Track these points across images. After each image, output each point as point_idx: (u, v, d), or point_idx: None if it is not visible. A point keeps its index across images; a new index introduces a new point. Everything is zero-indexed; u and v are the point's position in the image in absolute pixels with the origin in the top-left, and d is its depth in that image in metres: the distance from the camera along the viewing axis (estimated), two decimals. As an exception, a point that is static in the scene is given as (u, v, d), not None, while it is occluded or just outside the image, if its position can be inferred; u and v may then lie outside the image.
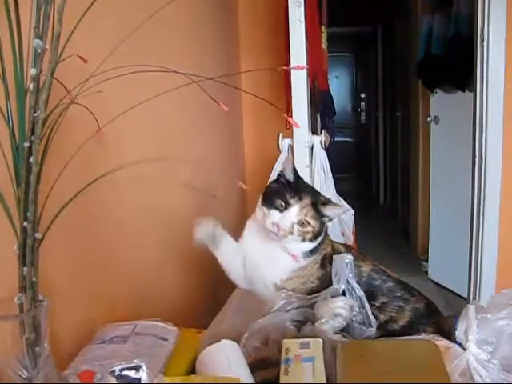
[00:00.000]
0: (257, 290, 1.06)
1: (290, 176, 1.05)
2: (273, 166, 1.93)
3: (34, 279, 0.64)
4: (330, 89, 5.25)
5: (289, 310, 0.92)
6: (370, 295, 0.99)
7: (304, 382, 0.64)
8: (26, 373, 0.63)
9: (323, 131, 2.04)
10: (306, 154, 1.93)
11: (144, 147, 1.11)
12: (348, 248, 1.13)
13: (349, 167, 6.81)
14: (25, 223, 0.62)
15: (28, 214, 0.62)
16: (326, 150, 2.05)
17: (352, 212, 1.97)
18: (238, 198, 2.28)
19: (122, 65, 0.70)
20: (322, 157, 2.00)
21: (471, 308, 0.76)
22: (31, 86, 0.61)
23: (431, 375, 0.63)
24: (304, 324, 0.88)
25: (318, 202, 1.03)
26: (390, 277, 1.05)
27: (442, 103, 3.45)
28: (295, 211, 1.00)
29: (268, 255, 1.05)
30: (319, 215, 1.02)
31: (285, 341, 0.74)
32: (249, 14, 2.37)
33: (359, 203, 4.37)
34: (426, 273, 3.62)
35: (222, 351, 0.72)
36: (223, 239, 1.08)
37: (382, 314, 0.98)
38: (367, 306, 0.91)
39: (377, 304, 0.99)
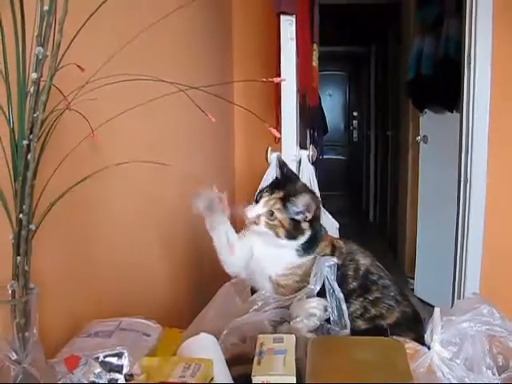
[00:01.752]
0: (252, 279, 1.12)
1: (277, 173, 1.14)
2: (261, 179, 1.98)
3: (26, 268, 0.68)
4: (323, 107, 5.37)
5: (266, 311, 0.97)
6: (365, 288, 1.05)
7: (274, 372, 0.68)
8: (15, 355, 0.67)
9: (311, 146, 2.10)
10: (294, 167, 1.99)
11: (135, 152, 1.16)
12: (349, 244, 1.15)
13: (340, 184, 6.90)
14: (20, 215, 0.67)
15: (24, 206, 0.67)
16: (314, 164, 2.11)
17: (337, 225, 2.02)
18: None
19: (116, 74, 0.76)
20: (309, 170, 2.05)
21: (437, 310, 0.81)
22: (32, 89, 0.67)
23: (393, 370, 0.68)
24: (281, 324, 0.93)
25: (289, 195, 1.08)
26: (387, 275, 1.10)
27: (430, 123, 3.53)
28: (262, 203, 1.08)
29: (265, 251, 1.11)
30: (289, 210, 1.06)
31: (260, 336, 0.79)
32: (243, 29, 2.44)
33: (349, 220, 4.44)
34: (413, 290, 3.67)
35: (200, 343, 0.76)
36: (223, 222, 1.11)
37: (374, 308, 1.03)
38: (345, 308, 0.96)
39: (370, 298, 1.04)
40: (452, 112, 3.12)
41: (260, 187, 1.89)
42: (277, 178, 1.14)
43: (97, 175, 0.86)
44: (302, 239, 1.08)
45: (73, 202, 0.85)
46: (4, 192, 0.68)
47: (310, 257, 1.08)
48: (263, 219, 1.07)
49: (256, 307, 0.98)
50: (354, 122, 6.93)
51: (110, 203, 1.09)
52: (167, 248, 1.37)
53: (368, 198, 6.31)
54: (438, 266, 3.31)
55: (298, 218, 1.07)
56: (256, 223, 1.07)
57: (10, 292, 0.68)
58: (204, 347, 0.75)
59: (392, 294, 1.06)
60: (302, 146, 2.16)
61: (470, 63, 2.54)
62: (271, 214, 1.06)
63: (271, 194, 1.08)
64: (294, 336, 0.78)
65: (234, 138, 2.54)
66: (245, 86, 2.16)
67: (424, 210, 3.69)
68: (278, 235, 1.07)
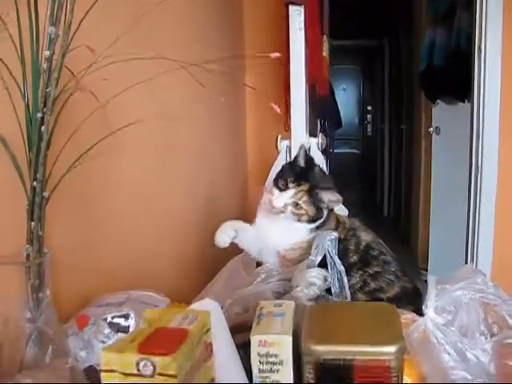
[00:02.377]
0: (264, 260, 1.16)
1: (300, 162, 1.16)
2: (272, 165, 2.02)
3: (40, 233, 0.73)
4: (337, 101, 5.38)
5: (270, 282, 1.01)
6: (365, 262, 1.09)
7: (271, 331, 0.72)
8: (30, 314, 0.72)
9: (320, 134, 2.13)
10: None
11: (146, 136, 1.20)
12: (353, 220, 1.20)
13: (354, 179, 6.89)
14: (34, 183, 0.72)
15: (37, 174, 0.72)
16: (325, 156, 2.15)
17: (346, 212, 2.05)
18: (240, 195, 2.37)
19: (124, 53, 0.80)
20: (318, 158, 2.08)
21: (431, 279, 0.84)
22: (45, 66, 0.71)
23: (385, 331, 0.71)
24: (283, 295, 0.96)
25: (316, 188, 1.12)
26: (388, 252, 1.13)
27: (443, 114, 3.53)
28: (290, 194, 1.11)
29: (275, 228, 1.15)
30: (315, 201, 1.11)
31: (261, 302, 0.83)
32: (254, 19, 2.47)
33: (363, 214, 4.44)
34: (426, 281, 3.68)
35: (204, 308, 0.80)
36: (241, 230, 1.18)
37: (373, 282, 1.06)
38: (345, 280, 0.99)
39: (370, 271, 1.07)
40: (464, 102, 3.13)
41: (271, 173, 1.94)
42: (298, 165, 1.16)
43: (109, 150, 0.91)
44: (320, 221, 1.13)
45: (85, 174, 0.90)
46: (19, 162, 0.72)
47: (316, 233, 1.12)
48: (289, 208, 1.11)
49: (259, 279, 1.02)
50: (368, 116, 6.93)
51: (121, 181, 1.13)
52: (178, 227, 1.42)
53: (382, 192, 6.31)
54: (450, 257, 3.32)
55: (322, 206, 1.12)
56: (282, 211, 1.11)
57: (25, 255, 0.73)
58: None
59: (392, 269, 1.09)
60: (313, 135, 2.19)
61: (480, 54, 2.55)
62: (297, 204, 1.11)
63: (298, 186, 1.11)
64: (293, 302, 0.82)
65: (246, 127, 2.58)
66: (256, 75, 2.19)
67: (437, 202, 3.70)
68: (300, 220, 1.12)
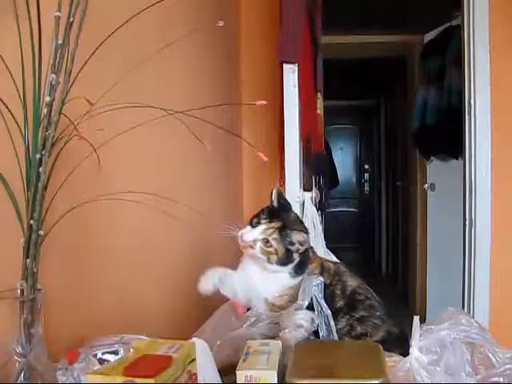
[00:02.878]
0: (248, 301, 1.17)
1: (274, 202, 1.19)
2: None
3: (34, 270, 0.76)
4: (335, 160, 5.46)
5: (259, 326, 1.02)
6: (352, 307, 1.09)
7: (257, 367, 0.73)
8: (21, 349, 0.74)
9: (314, 188, 2.18)
10: (297, 208, 2.06)
11: (142, 184, 1.24)
12: (338, 265, 1.21)
13: (352, 237, 6.92)
14: (31, 221, 0.75)
15: (34, 213, 0.75)
16: (316, 206, 2.19)
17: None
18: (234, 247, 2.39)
19: (123, 100, 0.85)
20: (312, 212, 2.12)
21: (415, 318, 0.86)
22: (45, 111, 0.76)
23: (368, 367, 0.72)
24: (272, 338, 0.97)
25: (286, 228, 1.13)
26: (373, 297, 1.14)
27: (437, 171, 3.61)
28: (261, 229, 1.13)
29: (261, 276, 1.16)
30: (285, 241, 1.12)
31: (248, 341, 0.84)
32: (250, 74, 2.57)
33: (361, 273, 4.41)
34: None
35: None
36: (227, 278, 1.19)
37: (360, 326, 1.07)
38: (332, 324, 1.00)
39: (357, 316, 1.08)
40: (457, 159, 3.20)
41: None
42: (273, 206, 1.19)
43: (104, 199, 0.95)
44: (291, 265, 1.14)
45: (82, 216, 0.93)
46: (18, 200, 0.76)
47: (301, 277, 1.13)
48: (259, 245, 1.12)
49: (249, 323, 1.03)
50: (366, 174, 7.02)
51: (115, 225, 1.16)
52: (173, 272, 1.43)
53: (380, 250, 6.32)
54: (448, 313, 3.30)
55: (291, 248, 1.13)
56: (252, 247, 1.13)
57: (19, 291, 0.75)
58: (197, 352, 0.79)
59: (378, 313, 1.10)
60: (307, 190, 2.23)
61: (470, 111, 2.64)
62: (267, 241, 1.12)
63: (270, 223, 1.14)
64: (279, 342, 0.83)
65: (243, 181, 2.63)
66: (253, 129, 2.27)
67: (433, 257, 3.72)
68: (269, 261, 1.12)
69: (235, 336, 0.98)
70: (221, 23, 0.85)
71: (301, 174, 2.14)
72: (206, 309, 1.21)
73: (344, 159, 7.02)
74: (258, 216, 1.17)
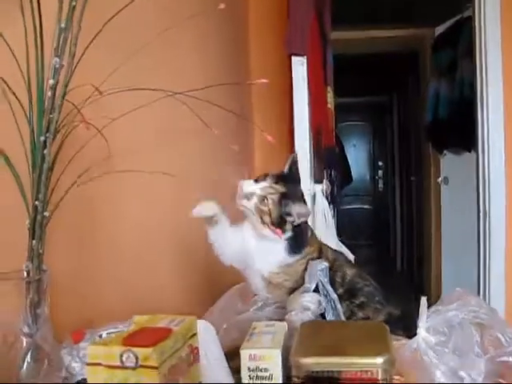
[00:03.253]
0: (247, 275, 1.14)
1: (286, 167, 1.15)
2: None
3: (40, 251, 0.77)
4: (348, 157, 5.44)
5: (266, 310, 1.02)
6: (351, 294, 1.08)
7: (262, 346, 0.73)
8: (27, 329, 0.74)
9: (324, 180, 2.17)
10: (308, 201, 2.06)
11: (151, 166, 1.24)
12: (337, 253, 1.19)
13: (367, 234, 6.88)
14: (36, 202, 0.76)
15: (39, 195, 0.76)
16: (328, 198, 2.18)
17: (352, 257, 2.06)
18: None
19: (127, 84, 0.86)
20: (323, 204, 2.12)
21: (423, 299, 0.85)
22: (49, 94, 0.77)
23: (374, 345, 0.72)
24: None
25: (288, 198, 1.09)
26: (372, 284, 1.13)
27: (450, 164, 3.58)
28: (262, 185, 1.09)
29: (257, 243, 1.13)
30: (282, 207, 1.08)
31: (254, 323, 0.84)
32: (260, 61, 2.56)
33: (377, 269, 4.41)
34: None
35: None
36: (221, 221, 1.13)
37: (361, 311, 1.06)
38: (339, 307, 1.00)
39: (357, 302, 1.07)
40: (470, 152, 3.17)
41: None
42: (283, 172, 1.15)
43: (109, 181, 0.95)
44: (285, 235, 1.10)
45: (85, 199, 0.94)
46: (23, 182, 0.77)
47: (299, 256, 1.11)
48: (255, 200, 1.09)
49: (256, 307, 1.03)
50: (379, 171, 6.98)
51: (123, 205, 1.17)
52: (179, 258, 1.43)
53: (395, 246, 6.28)
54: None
55: (288, 218, 1.09)
56: (247, 199, 1.09)
57: (25, 272, 0.76)
58: (201, 332, 0.79)
59: (377, 298, 1.09)
60: (318, 182, 2.23)
61: (482, 102, 2.61)
62: (263, 199, 1.08)
63: (274, 184, 1.10)
64: (285, 323, 0.83)
65: (254, 174, 2.62)
66: (265, 120, 2.27)
67: (447, 251, 3.70)
68: (262, 221, 1.09)
69: (242, 320, 0.98)
70: (222, 6, 0.85)
71: (311, 167, 2.13)
72: (212, 301, 1.20)
73: (357, 156, 6.98)
74: (264, 175, 1.13)
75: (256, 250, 1.13)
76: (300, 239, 1.12)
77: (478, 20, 2.62)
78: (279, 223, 1.09)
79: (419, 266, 4.79)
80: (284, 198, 1.09)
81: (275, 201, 1.09)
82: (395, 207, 6.19)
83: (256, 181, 1.12)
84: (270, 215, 1.08)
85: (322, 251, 1.15)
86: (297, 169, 1.18)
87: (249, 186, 1.10)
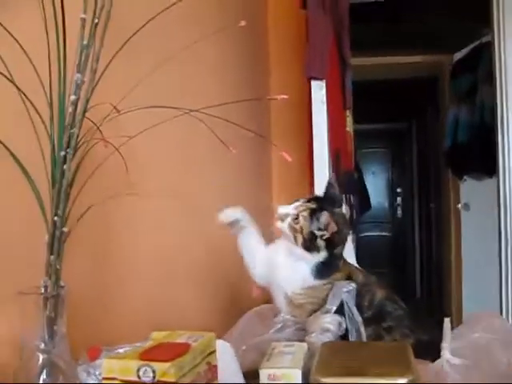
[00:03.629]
0: (271, 291, 1.16)
1: (324, 191, 1.21)
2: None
3: (58, 267, 0.76)
4: (367, 184, 5.42)
5: (285, 332, 1.00)
6: (379, 317, 1.07)
7: (281, 365, 0.71)
8: (44, 346, 0.73)
9: (343, 205, 2.15)
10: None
11: (163, 184, 1.24)
12: (369, 277, 1.18)
13: (385, 261, 6.79)
14: (55, 218, 0.75)
15: (59, 210, 0.76)
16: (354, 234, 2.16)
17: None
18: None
19: (145, 103, 0.86)
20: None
21: (446, 321, 0.83)
22: (70, 109, 0.77)
23: (397, 365, 0.70)
24: (299, 343, 0.95)
25: (318, 211, 1.12)
26: (401, 308, 1.12)
27: (471, 190, 3.54)
28: (295, 205, 1.14)
29: (285, 261, 1.15)
30: (313, 222, 1.10)
31: (273, 343, 0.82)
32: (279, 86, 2.58)
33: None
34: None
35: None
36: (247, 227, 1.19)
37: (388, 335, 1.04)
38: (363, 330, 0.97)
39: (384, 325, 1.06)
40: (491, 177, 3.13)
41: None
42: (320, 196, 1.21)
43: (128, 199, 0.95)
44: (317, 257, 1.11)
45: (103, 217, 0.94)
46: (42, 198, 0.77)
47: (325, 281, 1.10)
48: (289, 220, 1.12)
49: (276, 328, 1.01)
50: (398, 198, 6.93)
51: (141, 224, 1.16)
52: (197, 279, 1.42)
53: (414, 273, 6.19)
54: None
55: (317, 233, 1.11)
56: (282, 220, 1.13)
57: (42, 288, 0.75)
58: (220, 352, 0.78)
59: (406, 323, 1.08)
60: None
61: (503, 127, 2.59)
62: (296, 217, 1.11)
63: (306, 202, 1.14)
64: (305, 343, 0.81)
65: (272, 196, 2.62)
66: (283, 141, 2.28)
67: (468, 279, 3.63)
68: (295, 240, 1.11)
69: (261, 341, 0.96)
70: (243, 23, 0.86)
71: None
72: (232, 322, 1.19)
73: (376, 183, 6.94)
74: (299, 199, 1.18)
75: (283, 267, 1.15)
76: (331, 264, 1.13)
77: (498, 45, 2.62)
78: (310, 240, 1.10)
79: (439, 292, 4.70)
80: (314, 212, 1.12)
81: (306, 217, 1.11)
82: (414, 234, 6.13)
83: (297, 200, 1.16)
84: (301, 233, 1.11)
85: (350, 276, 1.14)
86: (335, 193, 1.21)
87: (284, 208, 1.15)
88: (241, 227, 1.18)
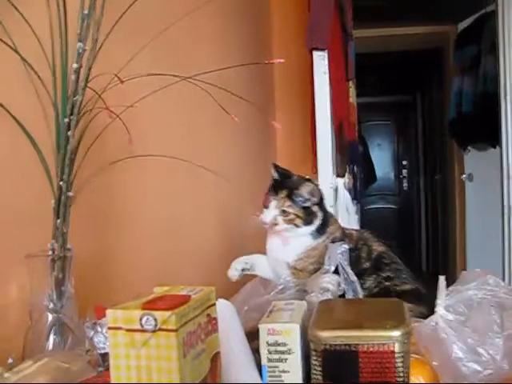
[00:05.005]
0: (279, 276, 1.19)
1: (274, 175, 1.22)
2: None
3: (64, 230, 0.79)
4: (372, 156, 5.42)
5: (286, 293, 1.03)
6: (378, 268, 1.12)
7: (280, 320, 0.75)
8: (52, 305, 0.77)
9: (346, 174, 2.17)
10: (331, 194, 2.06)
11: (170, 145, 1.26)
12: (363, 232, 1.22)
13: (391, 233, 6.81)
14: (61, 183, 0.78)
15: (64, 176, 0.78)
16: (350, 192, 2.18)
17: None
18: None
19: (147, 71, 0.88)
20: (345, 197, 2.12)
21: (441, 278, 0.85)
22: (73, 77, 0.79)
23: (390, 317, 0.72)
24: (299, 304, 0.98)
25: (294, 190, 1.15)
26: (399, 263, 1.16)
27: (475, 161, 3.54)
28: (273, 206, 1.16)
29: (282, 243, 1.18)
30: (298, 202, 1.14)
31: (274, 302, 0.85)
32: (283, 50, 2.58)
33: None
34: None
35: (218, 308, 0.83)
36: (256, 262, 1.23)
37: (388, 282, 1.09)
38: (359, 290, 1.01)
39: (383, 275, 1.10)
40: (495, 147, 3.14)
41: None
42: (275, 179, 1.22)
43: (131, 165, 0.97)
44: (317, 222, 1.15)
45: (108, 182, 0.96)
46: (48, 163, 0.79)
47: (323, 238, 1.15)
48: (279, 219, 1.15)
49: (277, 290, 1.04)
50: (404, 170, 6.92)
51: (141, 192, 1.19)
52: (198, 245, 1.45)
53: (420, 246, 6.23)
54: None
55: (308, 204, 1.15)
56: (275, 224, 1.15)
57: (50, 250, 0.78)
58: (221, 311, 0.80)
59: (404, 275, 1.12)
60: (341, 176, 2.23)
61: (506, 96, 2.59)
62: (284, 212, 1.14)
63: (277, 195, 1.16)
64: (304, 302, 0.84)
65: (276, 159, 2.64)
66: (287, 115, 2.29)
67: (472, 250, 3.65)
68: (297, 226, 1.14)
69: (262, 302, 0.99)
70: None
71: (333, 161, 2.13)
72: (237, 287, 1.22)
73: (381, 156, 6.93)
74: (267, 197, 1.19)
75: (280, 247, 1.19)
76: (326, 220, 1.18)
77: (501, 14, 2.60)
78: (308, 214, 1.15)
79: (445, 264, 4.74)
80: (291, 194, 1.15)
81: (291, 205, 1.14)
82: (420, 206, 6.15)
83: (266, 207, 1.17)
84: (298, 217, 1.14)
85: (344, 231, 1.19)
86: (282, 169, 1.24)
87: (266, 215, 1.16)
88: (251, 270, 1.21)
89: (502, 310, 0.87)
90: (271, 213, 1.16)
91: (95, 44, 0.80)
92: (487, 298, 0.85)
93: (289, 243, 1.16)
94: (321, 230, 1.15)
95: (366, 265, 1.11)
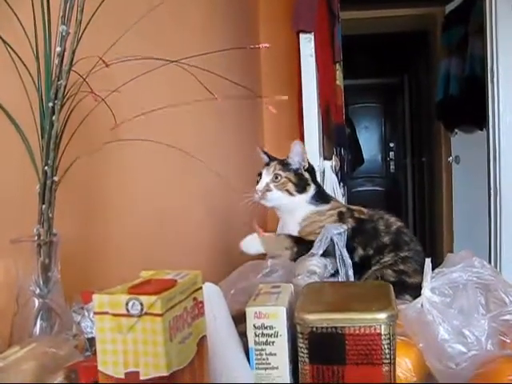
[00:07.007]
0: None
1: (264, 157, 1.27)
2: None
3: (50, 215, 0.79)
4: (360, 139, 5.43)
5: (274, 276, 1.04)
6: (397, 245, 1.12)
7: (266, 303, 0.75)
8: (39, 291, 0.77)
9: (333, 156, 2.18)
10: (317, 177, 2.07)
11: (157, 130, 1.26)
12: (373, 209, 1.24)
13: (379, 216, 6.85)
14: (46, 167, 0.78)
15: (48, 160, 0.78)
16: (337, 174, 2.19)
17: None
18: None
19: (131, 54, 0.87)
20: (332, 180, 2.13)
21: (427, 260, 0.86)
22: (57, 61, 0.78)
23: (376, 299, 0.73)
24: (286, 287, 0.99)
25: (284, 160, 1.21)
26: (417, 241, 1.18)
27: (462, 143, 3.56)
28: (264, 174, 1.21)
29: (288, 213, 1.22)
30: (290, 167, 1.19)
31: (260, 285, 0.86)
32: (269, 39, 2.57)
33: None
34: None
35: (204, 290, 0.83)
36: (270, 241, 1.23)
37: (403, 264, 1.09)
38: (351, 273, 1.01)
39: (401, 254, 1.10)
40: (482, 130, 3.15)
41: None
42: (266, 162, 1.27)
43: (117, 149, 0.97)
44: (311, 190, 1.19)
45: (94, 168, 0.96)
46: (33, 149, 0.78)
47: (327, 206, 1.18)
48: (272, 185, 1.18)
49: (264, 272, 1.04)
50: (391, 153, 6.95)
51: (127, 177, 1.19)
52: (184, 229, 1.45)
53: (407, 227, 6.27)
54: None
55: (299, 168, 1.19)
56: (268, 190, 1.18)
57: (36, 236, 0.78)
58: (208, 295, 0.81)
59: (420, 260, 1.10)
60: (328, 159, 2.24)
61: (493, 78, 2.59)
62: (276, 177, 1.17)
63: (268, 165, 1.21)
64: (291, 284, 0.85)
65: (264, 142, 2.64)
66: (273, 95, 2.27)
67: (459, 232, 3.68)
68: (290, 192, 1.17)
69: (249, 285, 0.99)
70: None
71: (320, 144, 2.14)
72: (230, 259, 1.23)
73: (369, 138, 6.94)
74: (259, 174, 1.24)
75: (287, 217, 1.22)
76: (322, 192, 1.23)
77: (489, -5, 2.59)
78: (300, 179, 1.19)
79: (432, 245, 4.78)
80: (282, 162, 1.21)
81: (282, 168, 1.19)
82: (407, 188, 6.18)
83: (257, 182, 1.22)
84: (290, 180, 1.18)
85: (352, 213, 1.19)
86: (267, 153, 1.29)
87: (259, 185, 1.20)
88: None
89: (487, 291, 0.89)
90: (264, 180, 1.19)
91: (79, 27, 0.79)
92: (472, 280, 0.86)
93: (294, 214, 1.19)
94: (320, 200, 1.18)
95: (386, 239, 1.11)
